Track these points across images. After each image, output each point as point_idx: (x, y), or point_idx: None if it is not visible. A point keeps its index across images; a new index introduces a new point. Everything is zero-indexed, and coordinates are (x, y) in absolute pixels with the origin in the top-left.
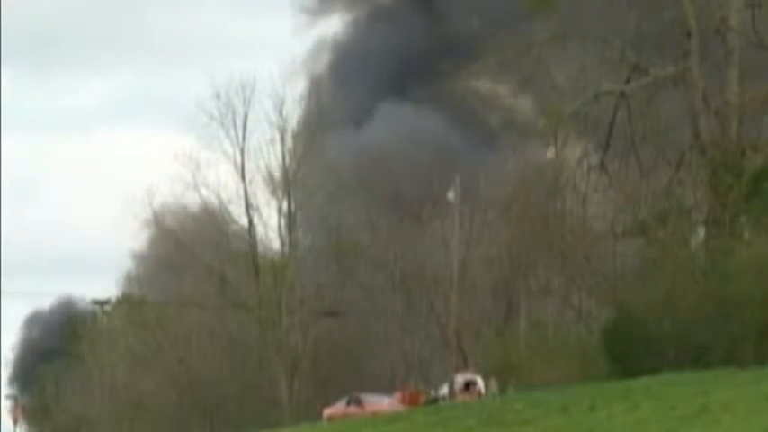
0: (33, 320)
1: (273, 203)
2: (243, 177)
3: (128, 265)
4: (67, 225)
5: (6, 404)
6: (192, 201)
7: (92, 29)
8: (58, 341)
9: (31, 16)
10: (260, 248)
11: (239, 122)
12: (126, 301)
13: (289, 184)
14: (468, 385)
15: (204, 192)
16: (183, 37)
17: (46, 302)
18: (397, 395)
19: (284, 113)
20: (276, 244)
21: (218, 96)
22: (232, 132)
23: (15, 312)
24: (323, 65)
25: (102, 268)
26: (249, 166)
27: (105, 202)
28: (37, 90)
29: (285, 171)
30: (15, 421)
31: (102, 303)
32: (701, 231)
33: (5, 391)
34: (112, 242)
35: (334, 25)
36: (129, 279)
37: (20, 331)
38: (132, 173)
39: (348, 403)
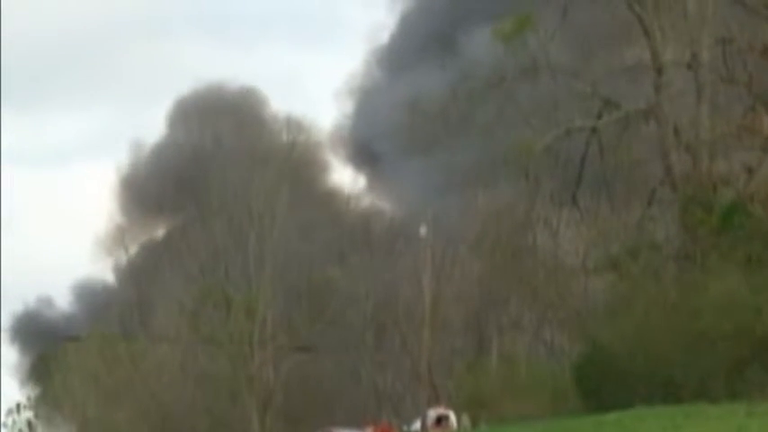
0: None
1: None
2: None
3: (100, 299)
4: (39, 261)
5: None
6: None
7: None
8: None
9: (4, 52)
10: (231, 283)
11: None
12: (98, 336)
13: (258, 220)
14: (441, 420)
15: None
16: (157, 73)
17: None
18: (369, 430)
19: None
20: (247, 279)
21: None
22: None
23: None
24: None
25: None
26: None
27: (78, 237)
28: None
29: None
30: None
31: (73, 339)
32: (673, 266)
33: None
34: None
35: None
36: (102, 314)
37: None
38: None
39: None
